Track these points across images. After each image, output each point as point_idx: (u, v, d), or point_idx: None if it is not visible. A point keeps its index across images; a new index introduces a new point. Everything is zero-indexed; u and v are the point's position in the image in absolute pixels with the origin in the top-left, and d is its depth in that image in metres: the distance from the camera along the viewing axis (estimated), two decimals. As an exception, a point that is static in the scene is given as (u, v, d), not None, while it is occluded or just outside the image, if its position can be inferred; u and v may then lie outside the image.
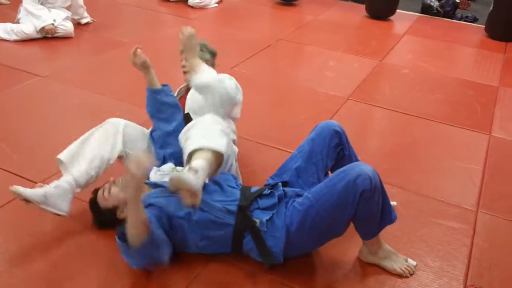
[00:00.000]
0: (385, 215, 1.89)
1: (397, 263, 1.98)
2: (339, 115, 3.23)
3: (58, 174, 2.40)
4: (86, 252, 1.97)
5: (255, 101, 3.40)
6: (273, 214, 1.85)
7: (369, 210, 1.79)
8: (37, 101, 2.65)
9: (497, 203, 2.47)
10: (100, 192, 1.98)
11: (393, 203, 2.24)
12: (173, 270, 1.86)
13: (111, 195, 1.94)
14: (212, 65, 2.48)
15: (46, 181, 2.34)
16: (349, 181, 1.73)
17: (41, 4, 4.13)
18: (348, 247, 2.06)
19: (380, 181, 1.80)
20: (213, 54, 2.53)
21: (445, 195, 2.49)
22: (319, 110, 3.28)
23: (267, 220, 1.84)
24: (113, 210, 1.95)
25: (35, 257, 1.94)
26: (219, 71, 2.20)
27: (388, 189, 2.46)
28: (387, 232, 2.18)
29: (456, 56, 4.75)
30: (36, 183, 2.31)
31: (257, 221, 1.84)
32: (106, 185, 1.98)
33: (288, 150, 2.74)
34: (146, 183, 1.98)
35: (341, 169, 1.82)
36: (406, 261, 2.00)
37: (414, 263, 2.01)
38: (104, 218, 1.99)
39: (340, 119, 3.16)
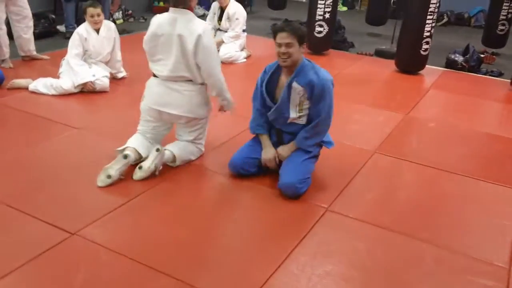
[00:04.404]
0: None
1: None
2: (366, 168, 3.25)
3: (93, 224, 2.48)
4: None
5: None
6: None
7: None
8: (74, 153, 2.77)
9: (531, 260, 2.42)
10: None
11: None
12: None
13: None
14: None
15: (80, 231, 2.41)
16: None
17: (84, 60, 4.35)
18: None
19: None
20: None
21: (476, 251, 2.46)
22: (345, 163, 3.29)
23: None
24: None
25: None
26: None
27: (417, 244, 2.48)
28: (418, 289, 2.16)
29: (483, 111, 4.76)
30: (72, 233, 2.39)
31: None
32: None
33: (317, 204, 2.77)
34: None
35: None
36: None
37: None
38: None
39: (367, 172, 3.19)
